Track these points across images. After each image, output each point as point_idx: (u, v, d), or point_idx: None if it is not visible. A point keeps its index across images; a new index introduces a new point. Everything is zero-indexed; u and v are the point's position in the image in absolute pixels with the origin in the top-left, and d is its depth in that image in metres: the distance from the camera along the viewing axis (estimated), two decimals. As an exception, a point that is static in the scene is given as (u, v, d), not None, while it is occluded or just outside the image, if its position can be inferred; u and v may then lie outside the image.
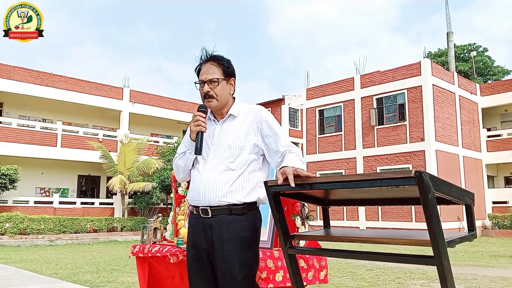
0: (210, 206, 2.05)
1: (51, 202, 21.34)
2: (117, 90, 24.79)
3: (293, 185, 1.67)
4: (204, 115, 2.10)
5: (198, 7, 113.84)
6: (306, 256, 3.07)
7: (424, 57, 21.68)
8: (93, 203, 22.87)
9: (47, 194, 22.98)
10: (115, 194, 23.01)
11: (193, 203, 2.14)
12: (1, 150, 19.93)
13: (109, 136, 24.05)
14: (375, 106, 21.28)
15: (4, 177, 18.14)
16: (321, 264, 3.16)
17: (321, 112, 23.75)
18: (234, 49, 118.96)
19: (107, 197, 24.20)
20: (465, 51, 37.79)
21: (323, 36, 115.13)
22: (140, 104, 25.47)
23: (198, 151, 2.07)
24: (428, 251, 1.31)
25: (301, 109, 28.27)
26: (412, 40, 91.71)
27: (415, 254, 1.54)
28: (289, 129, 30.06)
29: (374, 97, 21.38)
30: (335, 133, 22.92)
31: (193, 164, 2.20)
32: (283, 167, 1.84)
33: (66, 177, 23.80)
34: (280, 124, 30.34)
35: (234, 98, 2.22)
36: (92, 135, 23.42)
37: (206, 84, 2.10)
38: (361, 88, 21.99)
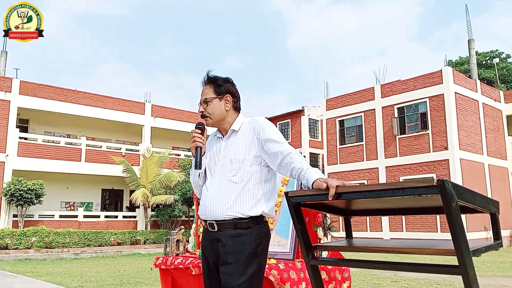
0: (216, 220, 2.13)
1: (76, 216, 21.69)
2: (139, 105, 25.18)
3: (330, 199, 1.69)
4: (199, 131, 2.23)
5: (217, 23, 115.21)
6: (328, 268, 3.05)
7: (445, 65, 21.43)
8: (116, 217, 23.14)
9: (72, 208, 23.36)
10: (138, 207, 23.26)
11: (202, 218, 2.23)
12: (27, 166, 20.40)
13: (131, 150, 24.39)
14: (396, 115, 21.05)
15: (30, 192, 18.54)
16: (343, 276, 3.14)
17: (342, 123, 23.62)
18: (254, 63, 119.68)
19: (130, 210, 24.47)
20: (487, 58, 37.18)
21: (342, 47, 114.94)
22: (161, 118, 25.80)
23: (197, 165, 2.19)
24: (454, 261, 1.29)
25: (321, 120, 28.16)
26: (432, 48, 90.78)
27: (439, 263, 1.52)
28: (309, 140, 29.96)
29: (395, 106, 21.17)
30: (356, 143, 22.74)
31: (205, 180, 2.30)
32: (319, 178, 1.83)
33: (90, 191, 24.18)
34: (300, 135, 30.38)
35: (238, 113, 2.30)
36: (115, 149, 23.78)
37: (201, 105, 2.26)
38: (381, 97, 21.81)
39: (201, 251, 2.28)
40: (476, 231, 17.24)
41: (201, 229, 3.66)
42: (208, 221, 2.17)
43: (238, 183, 2.13)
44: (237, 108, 2.30)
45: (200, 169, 2.21)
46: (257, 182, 2.15)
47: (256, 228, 2.11)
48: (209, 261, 2.18)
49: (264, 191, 2.17)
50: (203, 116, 2.25)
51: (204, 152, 2.25)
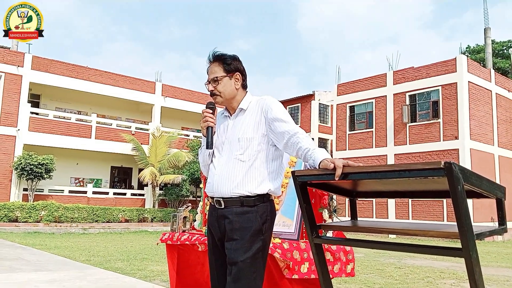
0: (223, 198, 2.15)
1: (85, 192, 21.97)
2: (149, 84, 25.21)
3: (337, 179, 1.69)
4: (211, 111, 2.24)
5: (227, 4, 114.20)
6: (333, 249, 3.08)
7: (460, 53, 21.12)
8: (125, 194, 23.39)
9: (81, 184, 23.64)
10: (146, 185, 23.49)
11: (209, 195, 2.25)
12: (38, 141, 20.60)
13: (141, 129, 24.51)
14: (407, 103, 20.89)
15: (41, 166, 18.76)
16: (347, 258, 3.16)
17: (352, 108, 23.48)
18: (263, 45, 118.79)
19: (139, 188, 24.70)
20: (504, 48, 36.56)
21: (353, 32, 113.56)
22: (171, 98, 25.83)
23: (209, 145, 2.20)
24: (457, 245, 1.30)
25: (331, 105, 28.01)
26: (445, 36, 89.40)
27: (443, 246, 1.52)
28: (319, 125, 29.86)
29: (407, 94, 20.98)
30: (366, 130, 22.64)
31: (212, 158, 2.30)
32: (326, 158, 1.83)
33: (99, 168, 24.41)
34: (310, 120, 30.23)
35: (246, 91, 2.30)
36: (125, 127, 23.91)
37: (210, 84, 2.25)
38: (393, 84, 21.61)
39: (206, 227, 2.31)
40: (483, 222, 17.19)
41: (208, 207, 3.71)
42: (215, 198, 2.20)
43: (246, 161, 2.14)
44: (245, 87, 2.30)
45: (212, 148, 2.23)
46: (264, 161, 2.17)
47: (262, 206, 2.14)
48: (214, 237, 2.21)
49: (271, 170, 2.18)
50: (212, 95, 2.25)
51: (215, 132, 2.26)
